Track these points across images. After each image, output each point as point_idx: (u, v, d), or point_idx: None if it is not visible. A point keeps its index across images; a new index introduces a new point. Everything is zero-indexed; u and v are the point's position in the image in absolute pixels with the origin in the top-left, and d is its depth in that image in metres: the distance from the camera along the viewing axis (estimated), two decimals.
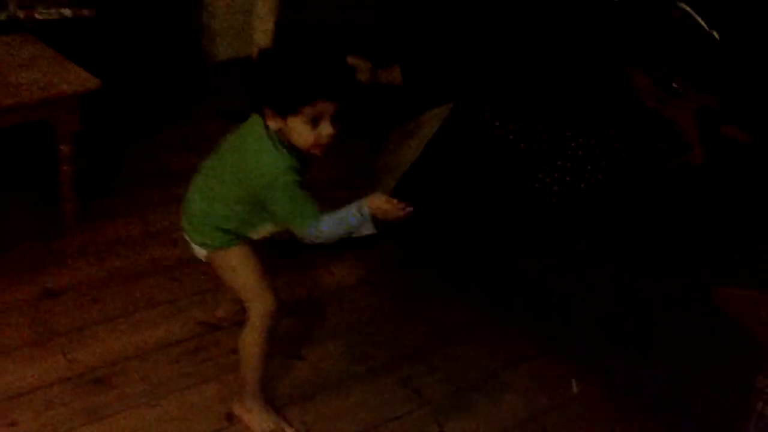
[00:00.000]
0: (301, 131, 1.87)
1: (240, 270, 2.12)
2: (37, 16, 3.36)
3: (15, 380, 2.33)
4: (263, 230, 2.11)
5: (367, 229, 1.91)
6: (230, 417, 2.29)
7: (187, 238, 2.18)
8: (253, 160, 1.93)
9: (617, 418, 2.40)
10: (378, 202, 1.88)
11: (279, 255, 2.62)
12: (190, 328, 2.60)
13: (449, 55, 3.02)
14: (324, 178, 2.76)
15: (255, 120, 1.97)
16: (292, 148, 1.92)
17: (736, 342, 2.08)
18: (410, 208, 1.88)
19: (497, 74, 2.96)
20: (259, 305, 2.13)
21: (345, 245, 2.87)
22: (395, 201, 1.87)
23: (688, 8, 2.99)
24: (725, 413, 2.00)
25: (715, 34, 2.92)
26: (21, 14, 3.34)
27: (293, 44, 1.92)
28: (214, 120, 3.88)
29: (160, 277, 2.82)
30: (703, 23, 2.95)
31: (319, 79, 1.85)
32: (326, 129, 1.88)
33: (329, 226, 1.89)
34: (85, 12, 3.46)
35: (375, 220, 1.90)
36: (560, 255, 2.51)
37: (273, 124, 1.90)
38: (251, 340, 2.16)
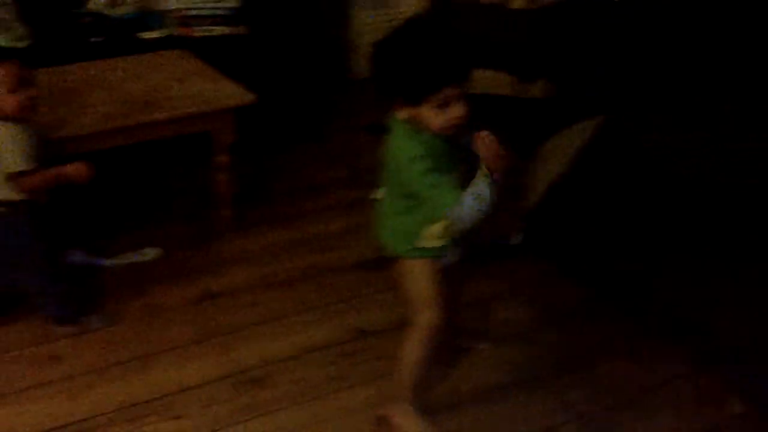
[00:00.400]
0: (431, 117, 1.88)
1: (422, 280, 2.13)
2: (194, 33, 3.53)
3: (179, 376, 2.44)
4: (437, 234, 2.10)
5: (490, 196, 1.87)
6: (380, 421, 2.32)
7: (383, 243, 2.21)
8: (395, 152, 1.97)
9: None
10: (481, 143, 1.85)
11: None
12: (343, 332, 2.66)
13: (600, 68, 3.01)
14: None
15: (394, 119, 1.98)
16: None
17: None
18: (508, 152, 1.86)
19: (650, 87, 2.93)
20: (427, 315, 2.14)
21: (492, 256, 2.92)
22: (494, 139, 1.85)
23: None
24: None
25: None
26: (180, 32, 3.52)
27: (409, 36, 1.91)
28: (359, 134, 3.98)
29: (313, 282, 2.90)
30: None
31: (440, 68, 1.85)
32: (455, 111, 1.88)
33: (466, 202, 1.87)
34: (240, 29, 3.61)
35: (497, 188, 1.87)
36: (718, 274, 2.45)
37: (403, 114, 1.92)
38: (412, 347, 2.18)
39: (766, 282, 2.35)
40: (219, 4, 3.60)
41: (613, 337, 2.70)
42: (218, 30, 3.59)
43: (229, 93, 2.96)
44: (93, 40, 3.46)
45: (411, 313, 2.17)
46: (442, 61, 1.85)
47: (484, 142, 1.85)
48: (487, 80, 3.63)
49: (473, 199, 1.87)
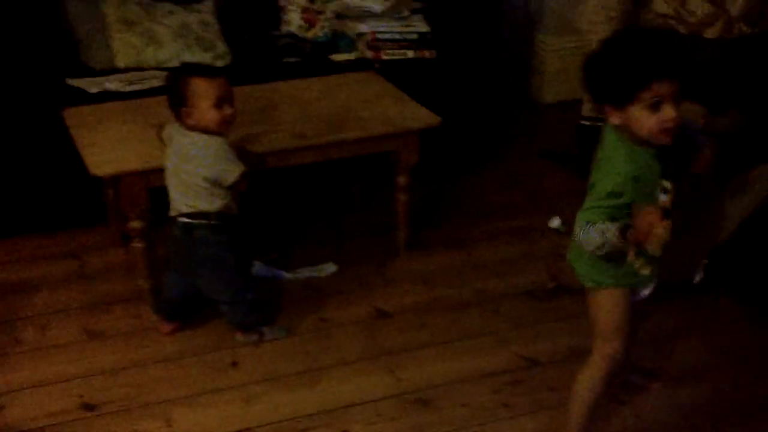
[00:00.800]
0: (643, 119, 1.81)
1: (610, 310, 2.08)
2: (383, 56, 3.62)
3: (347, 391, 2.50)
4: (642, 266, 2.05)
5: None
6: None
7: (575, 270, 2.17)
8: (605, 168, 1.91)
9: None
10: (640, 218, 1.80)
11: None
12: (512, 360, 2.64)
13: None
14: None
15: (608, 129, 1.93)
16: (643, 143, 1.86)
17: None
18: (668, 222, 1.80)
19: None
20: (607, 347, 2.09)
21: (673, 293, 2.81)
22: (657, 212, 1.79)
23: None
24: None
25: None
26: (369, 54, 3.62)
27: (619, 38, 1.89)
28: (538, 161, 3.95)
29: (483, 308, 2.90)
30: None
31: (648, 58, 1.78)
32: (668, 112, 1.79)
33: (590, 231, 1.85)
34: (426, 54, 3.67)
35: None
36: None
37: (615, 120, 1.86)
38: (588, 378, 2.14)
39: None
40: (408, 29, 3.67)
41: None
42: (407, 53, 3.66)
43: (415, 115, 3.02)
44: (288, 60, 3.61)
45: (592, 344, 2.14)
46: (651, 53, 1.79)
47: (644, 218, 1.80)
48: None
49: (598, 235, 1.85)
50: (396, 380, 2.55)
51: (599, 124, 3.62)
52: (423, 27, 3.69)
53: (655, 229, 1.79)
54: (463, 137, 3.79)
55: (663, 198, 1.95)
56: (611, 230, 1.84)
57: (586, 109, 3.66)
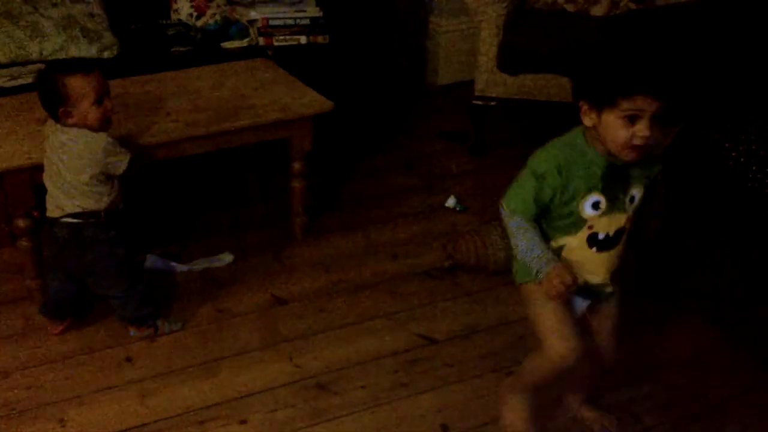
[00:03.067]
0: (615, 128, 1.74)
1: (538, 310, 2.00)
2: (275, 42, 3.60)
3: (246, 381, 2.49)
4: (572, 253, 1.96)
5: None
6: (445, 428, 2.32)
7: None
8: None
9: None
10: (555, 277, 1.83)
11: None
12: (410, 340, 2.67)
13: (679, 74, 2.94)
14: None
15: (577, 132, 1.89)
16: (603, 152, 1.83)
17: None
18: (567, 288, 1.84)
19: (730, 93, 2.84)
20: (549, 351, 1.98)
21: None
22: (569, 280, 1.83)
23: None
24: None
25: None
26: (262, 41, 3.60)
27: (624, 36, 1.86)
28: (436, 142, 3.99)
29: (381, 290, 2.91)
30: None
31: (641, 69, 1.71)
32: (642, 129, 1.72)
33: (518, 235, 1.88)
34: (320, 39, 3.66)
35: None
36: None
37: (587, 120, 1.81)
38: (535, 359, 2.06)
39: None
40: (300, 14, 3.65)
41: (687, 348, 2.63)
42: (300, 39, 3.65)
43: (308, 101, 3.00)
44: (178, 49, 3.55)
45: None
46: (645, 65, 1.72)
47: (551, 281, 1.83)
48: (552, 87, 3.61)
49: (522, 243, 1.88)
50: (294, 367, 2.54)
51: (491, 104, 3.74)
52: (315, 12, 3.68)
53: (560, 290, 1.84)
54: (360, 122, 3.80)
55: (590, 213, 1.89)
56: (534, 255, 1.86)
57: (479, 89, 3.71)
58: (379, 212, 3.39)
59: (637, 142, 1.74)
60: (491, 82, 3.69)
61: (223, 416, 2.36)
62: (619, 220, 1.92)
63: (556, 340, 1.96)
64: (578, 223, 1.91)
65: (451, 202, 3.40)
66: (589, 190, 1.87)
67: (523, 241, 1.89)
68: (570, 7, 3.94)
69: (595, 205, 1.88)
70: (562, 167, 1.85)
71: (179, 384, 2.48)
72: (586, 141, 1.85)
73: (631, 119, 1.73)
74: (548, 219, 1.94)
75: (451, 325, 2.74)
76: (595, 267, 1.97)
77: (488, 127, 3.88)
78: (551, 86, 3.62)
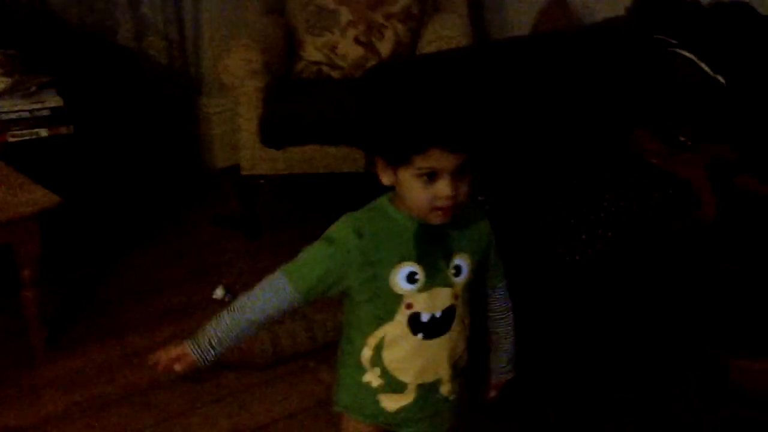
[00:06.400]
0: (414, 189, 1.46)
1: None
2: (10, 138, 3.23)
3: None
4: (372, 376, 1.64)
5: None
6: None
7: None
8: None
9: None
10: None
11: None
12: None
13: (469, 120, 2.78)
14: None
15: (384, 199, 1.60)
16: (412, 217, 1.53)
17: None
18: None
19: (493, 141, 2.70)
20: None
21: None
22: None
23: (689, 54, 2.72)
24: None
25: (721, 78, 2.64)
26: None
27: (405, 80, 1.57)
28: (209, 229, 3.69)
29: (132, 403, 2.56)
30: (707, 68, 2.68)
31: (434, 118, 1.43)
32: (442, 189, 1.44)
33: (251, 299, 1.63)
34: (63, 130, 3.33)
35: None
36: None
37: (385, 179, 1.51)
38: None
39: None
40: (38, 105, 3.31)
41: None
42: (40, 132, 3.30)
43: (29, 199, 2.66)
44: None
45: None
46: (441, 114, 1.44)
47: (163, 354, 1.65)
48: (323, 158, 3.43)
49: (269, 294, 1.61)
50: None
51: (260, 182, 3.49)
52: (56, 101, 3.35)
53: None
54: (123, 214, 3.46)
55: (406, 287, 1.55)
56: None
57: (245, 166, 3.46)
58: (138, 312, 3.03)
59: (440, 204, 1.46)
60: (257, 158, 3.45)
61: None
62: (444, 296, 1.57)
63: None
64: (391, 302, 1.55)
65: (219, 293, 3.10)
66: (402, 259, 1.53)
67: (249, 307, 1.62)
68: (336, 74, 3.80)
69: (411, 277, 1.54)
70: (363, 230, 1.53)
71: None
72: (394, 206, 1.55)
73: (430, 177, 1.44)
74: (353, 310, 1.61)
75: (212, 430, 2.43)
76: (430, 359, 1.61)
77: (263, 207, 3.63)
78: (322, 157, 3.41)
